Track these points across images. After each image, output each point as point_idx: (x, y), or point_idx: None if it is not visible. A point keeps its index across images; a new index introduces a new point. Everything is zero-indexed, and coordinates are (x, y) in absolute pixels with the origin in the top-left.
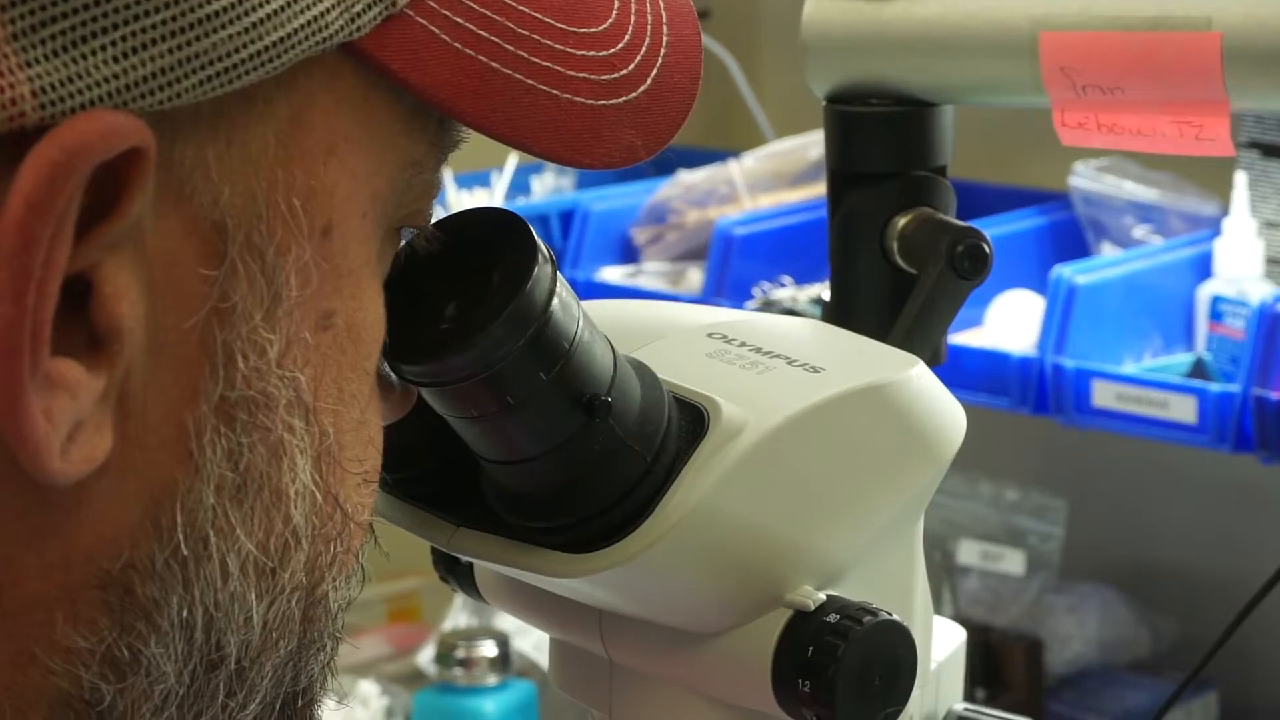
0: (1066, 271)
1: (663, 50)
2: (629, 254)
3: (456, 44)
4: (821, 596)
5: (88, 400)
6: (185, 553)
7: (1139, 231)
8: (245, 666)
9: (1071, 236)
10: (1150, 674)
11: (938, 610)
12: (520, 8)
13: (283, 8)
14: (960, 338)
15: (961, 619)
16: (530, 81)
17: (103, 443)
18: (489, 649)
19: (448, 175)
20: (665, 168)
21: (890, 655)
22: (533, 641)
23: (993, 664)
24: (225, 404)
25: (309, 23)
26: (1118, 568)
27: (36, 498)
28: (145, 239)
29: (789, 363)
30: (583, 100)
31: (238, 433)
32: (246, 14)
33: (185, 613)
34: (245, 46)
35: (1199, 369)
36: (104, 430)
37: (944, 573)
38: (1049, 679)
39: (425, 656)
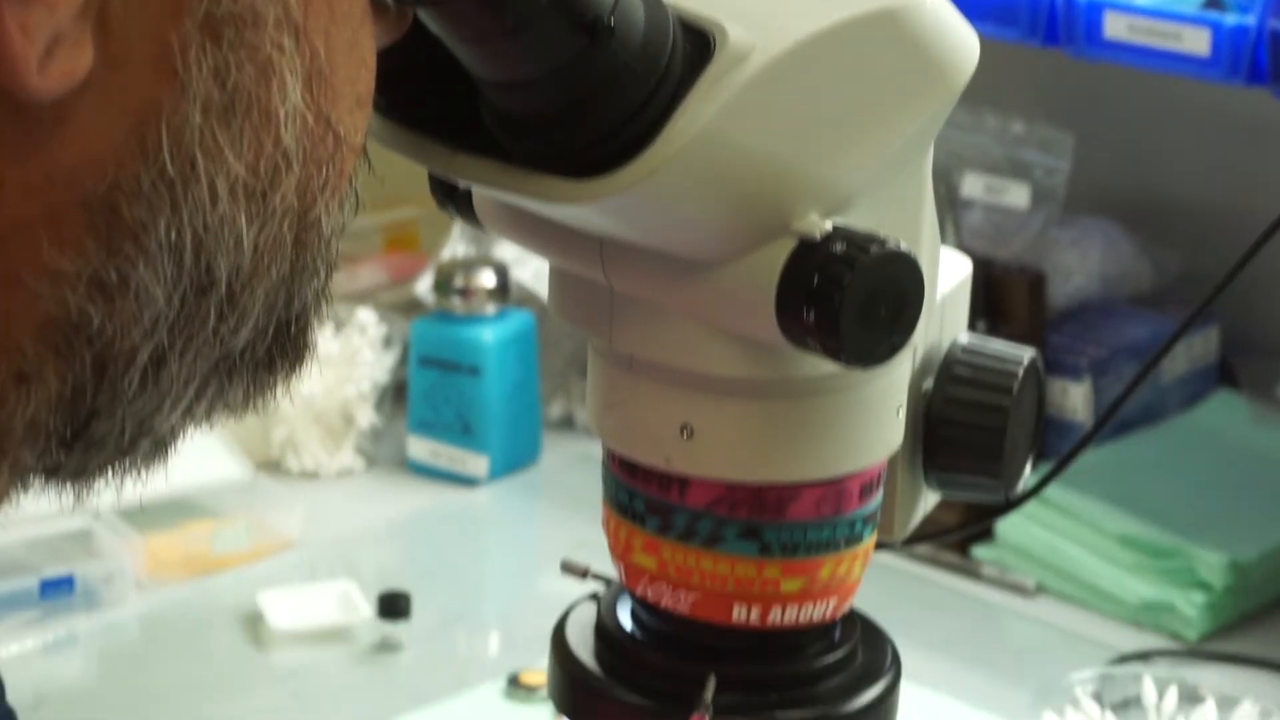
0: None
1: None
2: None
3: None
4: (828, 226)
5: (65, 14)
6: (172, 174)
7: None
8: (236, 291)
9: None
10: (1151, 308)
11: (941, 243)
12: None
13: None
14: None
15: (964, 252)
16: None
17: (82, 58)
18: (487, 278)
19: None
20: None
21: (896, 285)
22: (531, 271)
23: (994, 296)
24: (211, 20)
25: None
26: (1122, 202)
27: (17, 115)
28: None
29: None
30: None
31: (224, 50)
32: None
33: (173, 235)
34: None
35: (1213, 0)
36: (83, 46)
37: (947, 205)
38: (1050, 311)
39: (423, 285)
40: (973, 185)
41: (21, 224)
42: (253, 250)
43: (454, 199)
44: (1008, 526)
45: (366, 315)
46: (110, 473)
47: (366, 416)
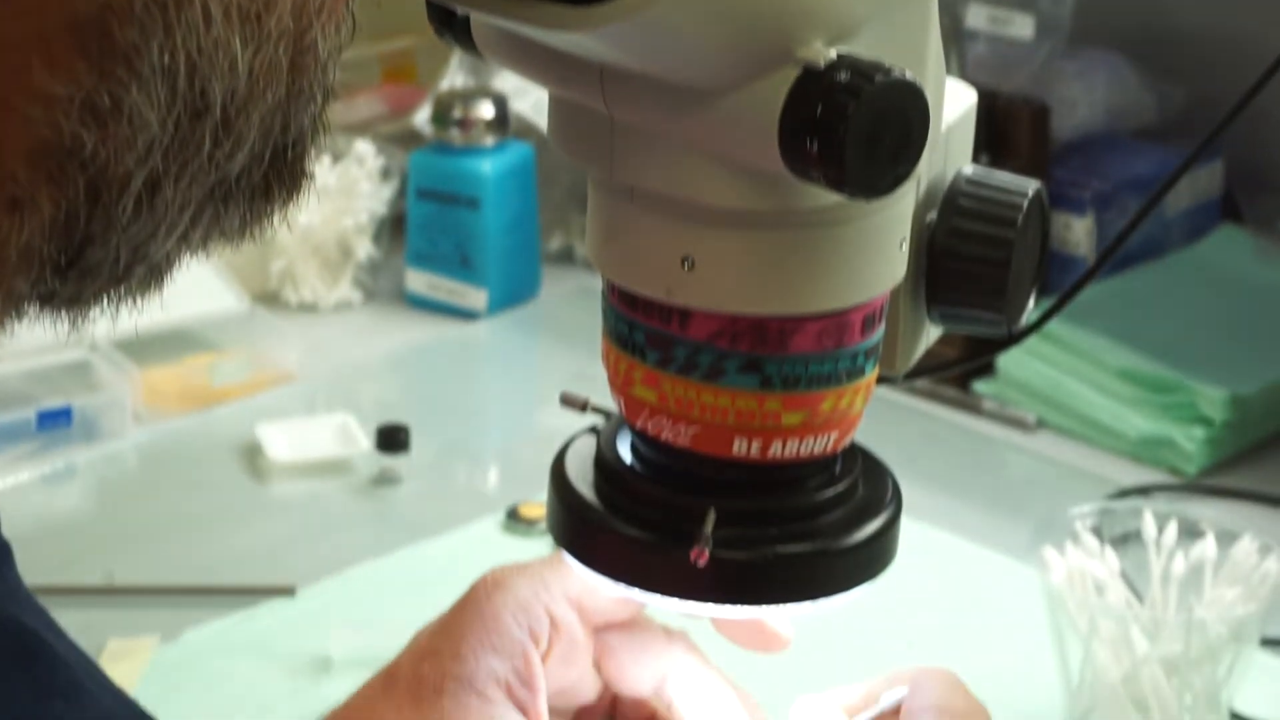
0: None
1: None
2: None
3: None
4: (832, 54)
5: None
6: None
7: None
8: (231, 115)
9: None
10: (1156, 141)
11: (946, 74)
12: None
13: None
14: None
15: (968, 84)
16: None
17: None
18: (486, 110)
19: None
20: None
21: (901, 115)
22: (531, 103)
23: (998, 129)
24: None
25: None
26: (1128, 34)
27: None
28: None
29: None
30: None
31: None
32: None
33: (167, 59)
34: None
35: None
36: None
37: (952, 37)
38: (1054, 144)
39: (421, 117)
40: (977, 16)
41: (10, 47)
42: (248, 74)
43: (452, 26)
44: (1008, 361)
45: (364, 147)
46: (105, 300)
47: (364, 249)
